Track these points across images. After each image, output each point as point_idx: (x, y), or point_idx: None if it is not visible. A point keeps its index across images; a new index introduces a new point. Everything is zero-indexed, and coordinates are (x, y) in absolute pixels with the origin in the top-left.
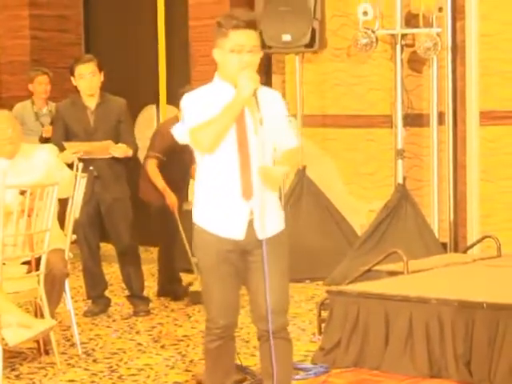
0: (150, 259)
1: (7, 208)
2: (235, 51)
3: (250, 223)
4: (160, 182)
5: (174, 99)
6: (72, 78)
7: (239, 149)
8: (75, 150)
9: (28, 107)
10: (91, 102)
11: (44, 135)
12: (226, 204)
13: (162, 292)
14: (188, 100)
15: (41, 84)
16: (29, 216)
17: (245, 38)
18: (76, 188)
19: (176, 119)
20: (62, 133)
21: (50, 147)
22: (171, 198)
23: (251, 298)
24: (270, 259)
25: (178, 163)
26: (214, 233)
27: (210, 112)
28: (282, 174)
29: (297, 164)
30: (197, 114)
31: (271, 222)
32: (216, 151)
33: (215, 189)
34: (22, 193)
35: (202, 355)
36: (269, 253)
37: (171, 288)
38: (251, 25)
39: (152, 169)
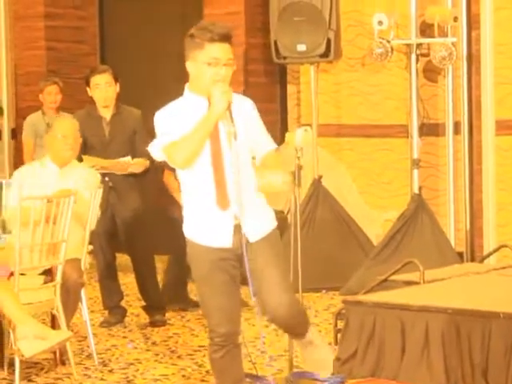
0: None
1: (28, 215)
2: (211, 64)
3: (237, 228)
4: (178, 194)
5: None
6: (87, 89)
7: (213, 162)
8: (93, 164)
9: (39, 118)
10: (107, 113)
11: None
12: (209, 215)
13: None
14: (160, 116)
15: (50, 94)
16: (47, 223)
17: (221, 52)
18: (93, 198)
19: None
20: None
21: (95, 173)
22: None
23: (259, 292)
24: (269, 257)
25: None
26: (203, 244)
27: (184, 127)
28: (283, 183)
29: (283, 164)
30: (170, 130)
31: (261, 222)
32: (192, 166)
33: (196, 201)
34: (48, 201)
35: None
36: (266, 251)
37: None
38: (226, 38)
39: (171, 181)
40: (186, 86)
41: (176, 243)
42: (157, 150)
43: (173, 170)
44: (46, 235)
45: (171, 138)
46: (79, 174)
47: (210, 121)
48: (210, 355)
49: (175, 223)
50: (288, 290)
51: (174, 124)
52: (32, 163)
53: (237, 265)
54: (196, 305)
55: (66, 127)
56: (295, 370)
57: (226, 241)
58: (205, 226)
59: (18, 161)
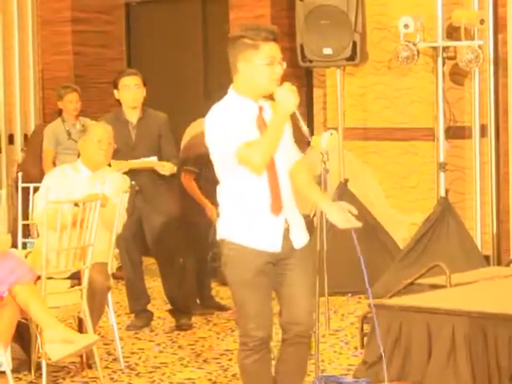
0: None
1: (63, 218)
2: (269, 63)
3: (286, 233)
4: (199, 196)
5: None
6: (115, 92)
7: (268, 166)
8: (120, 167)
9: (60, 126)
10: (133, 117)
11: None
12: (260, 218)
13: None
14: (218, 119)
15: (71, 102)
16: (75, 227)
17: (275, 50)
18: (120, 203)
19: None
20: None
21: (124, 178)
22: (212, 211)
23: (285, 301)
24: (299, 267)
25: (211, 177)
26: (251, 247)
27: (238, 128)
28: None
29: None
30: (232, 131)
31: (303, 230)
32: (244, 168)
33: (246, 205)
34: (77, 204)
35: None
36: (298, 262)
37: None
38: (277, 38)
39: (190, 183)
40: (232, 86)
41: (196, 247)
42: (223, 148)
43: (192, 172)
44: (73, 239)
45: (240, 139)
46: (111, 179)
47: (283, 120)
48: (241, 360)
49: (194, 227)
50: (311, 302)
51: (233, 124)
52: (63, 167)
53: (274, 268)
54: (222, 308)
55: (102, 132)
56: (321, 374)
57: (275, 245)
58: (255, 229)
59: None
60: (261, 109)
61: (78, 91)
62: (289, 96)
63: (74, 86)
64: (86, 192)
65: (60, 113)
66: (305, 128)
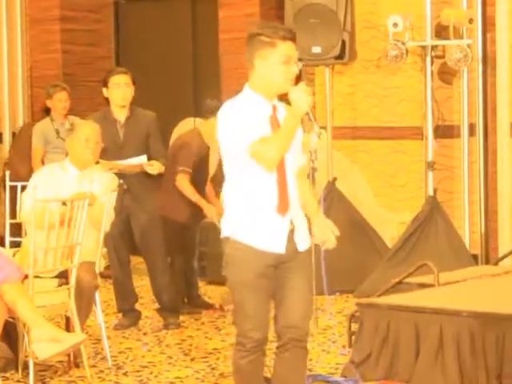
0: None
1: (51, 218)
2: (285, 62)
3: (291, 235)
4: (195, 195)
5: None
6: (104, 90)
7: (277, 166)
8: (109, 167)
9: (48, 125)
10: (121, 116)
11: None
12: (266, 218)
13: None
14: (233, 115)
15: (60, 101)
16: (62, 226)
17: (292, 49)
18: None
19: (194, 131)
20: None
21: (112, 177)
22: (210, 209)
23: (282, 305)
24: (301, 271)
25: (200, 176)
26: (256, 247)
27: (252, 124)
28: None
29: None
30: (246, 126)
31: (306, 232)
32: (254, 166)
33: (253, 203)
34: (65, 203)
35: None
36: (300, 265)
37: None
38: (294, 37)
39: (186, 184)
40: (247, 83)
41: (183, 246)
42: (236, 144)
43: (188, 173)
44: (60, 238)
45: (254, 135)
46: (99, 178)
47: (296, 120)
48: (236, 360)
49: (181, 226)
50: (309, 305)
51: (247, 120)
52: (51, 166)
53: (275, 271)
54: (209, 307)
55: (90, 131)
56: (309, 372)
57: (280, 246)
58: (260, 228)
59: None
60: (275, 108)
61: (67, 90)
62: (303, 96)
63: (63, 84)
64: (74, 191)
65: (47, 111)
66: (317, 129)
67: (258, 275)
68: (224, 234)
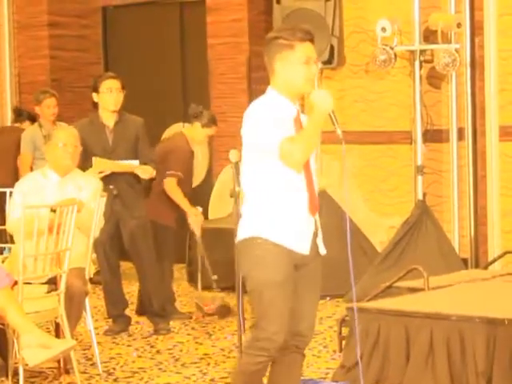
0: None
1: (32, 225)
2: (305, 63)
3: (314, 237)
4: (183, 201)
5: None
6: (94, 95)
7: (304, 165)
8: (102, 169)
9: (37, 131)
10: (110, 121)
11: None
12: (298, 218)
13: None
14: (263, 112)
15: (49, 107)
16: (51, 233)
17: (311, 50)
18: (97, 207)
19: (181, 136)
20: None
21: (98, 181)
22: (197, 216)
23: (293, 312)
24: (315, 279)
25: (184, 181)
26: (285, 246)
27: (282, 123)
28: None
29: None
30: (278, 123)
31: (322, 240)
32: (284, 167)
33: (286, 203)
34: (53, 210)
35: (223, 374)
36: (315, 272)
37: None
38: (313, 38)
39: (174, 188)
40: (270, 87)
41: (170, 250)
42: (268, 141)
43: (177, 177)
44: (49, 244)
45: (284, 132)
46: (87, 184)
47: (320, 120)
48: (250, 365)
49: (170, 230)
50: (315, 314)
51: (277, 118)
52: (33, 173)
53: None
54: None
55: (66, 136)
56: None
57: (305, 247)
58: (292, 229)
59: None
60: (298, 111)
61: (56, 96)
62: (327, 97)
63: (52, 90)
64: (58, 197)
65: (32, 118)
66: (339, 131)
67: (287, 276)
68: (248, 234)
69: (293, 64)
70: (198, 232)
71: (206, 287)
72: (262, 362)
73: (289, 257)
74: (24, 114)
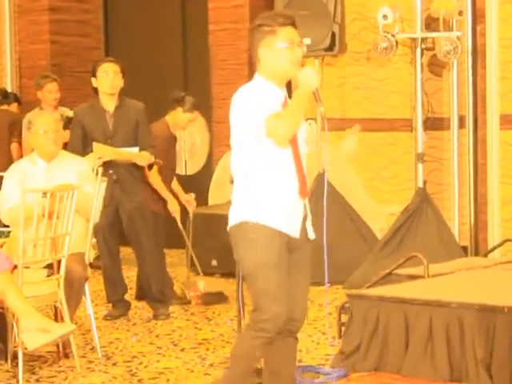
0: (169, 263)
1: (28, 211)
2: (288, 47)
3: (304, 220)
4: (163, 188)
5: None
6: (93, 79)
7: (292, 147)
8: (101, 155)
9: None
10: (110, 105)
11: None
12: (289, 201)
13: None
14: (245, 94)
15: (51, 92)
16: (49, 219)
17: (293, 34)
18: (96, 191)
19: (162, 122)
20: (79, 137)
21: (87, 161)
22: (175, 205)
23: (294, 292)
24: (306, 264)
25: (166, 167)
26: (277, 228)
27: (268, 106)
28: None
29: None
30: (263, 103)
31: (312, 225)
32: (271, 149)
33: (275, 187)
34: (45, 195)
35: (222, 359)
36: (306, 257)
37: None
38: (294, 22)
39: (155, 176)
40: (257, 74)
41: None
42: (254, 122)
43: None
44: (48, 229)
45: (269, 110)
46: (70, 167)
47: (305, 96)
48: (252, 347)
49: (157, 217)
50: (306, 298)
51: (263, 101)
52: (20, 162)
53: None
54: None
55: (46, 122)
56: (299, 363)
57: (296, 230)
58: (282, 211)
59: None
60: (286, 97)
61: (57, 81)
62: (312, 74)
63: (54, 75)
64: (47, 183)
65: (18, 100)
66: (322, 109)
67: (280, 257)
68: (240, 218)
69: (276, 49)
70: (178, 218)
71: (208, 273)
72: (260, 343)
73: (281, 239)
74: (11, 97)
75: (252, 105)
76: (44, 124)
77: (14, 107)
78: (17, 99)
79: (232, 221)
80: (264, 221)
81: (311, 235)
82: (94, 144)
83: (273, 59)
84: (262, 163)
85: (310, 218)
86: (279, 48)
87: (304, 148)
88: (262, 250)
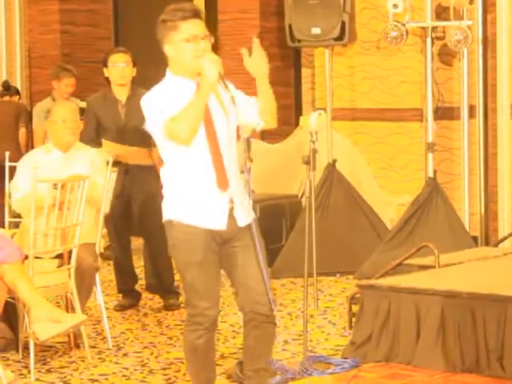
0: None
1: (40, 201)
2: (190, 41)
3: (230, 212)
4: None
5: None
6: (104, 70)
7: (208, 139)
8: (109, 149)
9: (49, 105)
10: (122, 95)
11: None
12: (205, 196)
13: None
14: (151, 97)
15: (67, 86)
16: (60, 209)
17: (195, 27)
18: (107, 182)
19: None
20: (92, 126)
21: (100, 152)
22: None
23: (239, 282)
24: (246, 248)
25: None
26: (197, 225)
27: (174, 106)
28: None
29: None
30: (165, 107)
31: (247, 206)
32: (181, 146)
33: (191, 182)
34: (55, 186)
35: (233, 349)
36: (244, 242)
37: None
38: (197, 14)
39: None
40: (168, 70)
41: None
42: (156, 127)
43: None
44: (59, 220)
45: (169, 114)
46: (84, 158)
47: (205, 91)
48: (191, 342)
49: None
50: (261, 278)
51: (167, 102)
52: (35, 151)
53: (221, 247)
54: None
55: (65, 112)
56: (310, 353)
57: (221, 223)
58: (200, 207)
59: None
60: (198, 85)
61: (76, 77)
62: (210, 66)
63: (74, 70)
64: (63, 173)
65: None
66: (229, 95)
67: (205, 254)
68: (166, 217)
69: (179, 44)
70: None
71: None
72: (202, 336)
73: (205, 236)
74: (12, 89)
75: (151, 110)
76: (63, 113)
77: (15, 100)
78: (18, 93)
79: (163, 218)
80: (185, 219)
81: (240, 223)
82: (103, 141)
83: (176, 54)
84: (175, 160)
85: (242, 206)
86: (181, 42)
87: (227, 136)
88: (185, 249)
